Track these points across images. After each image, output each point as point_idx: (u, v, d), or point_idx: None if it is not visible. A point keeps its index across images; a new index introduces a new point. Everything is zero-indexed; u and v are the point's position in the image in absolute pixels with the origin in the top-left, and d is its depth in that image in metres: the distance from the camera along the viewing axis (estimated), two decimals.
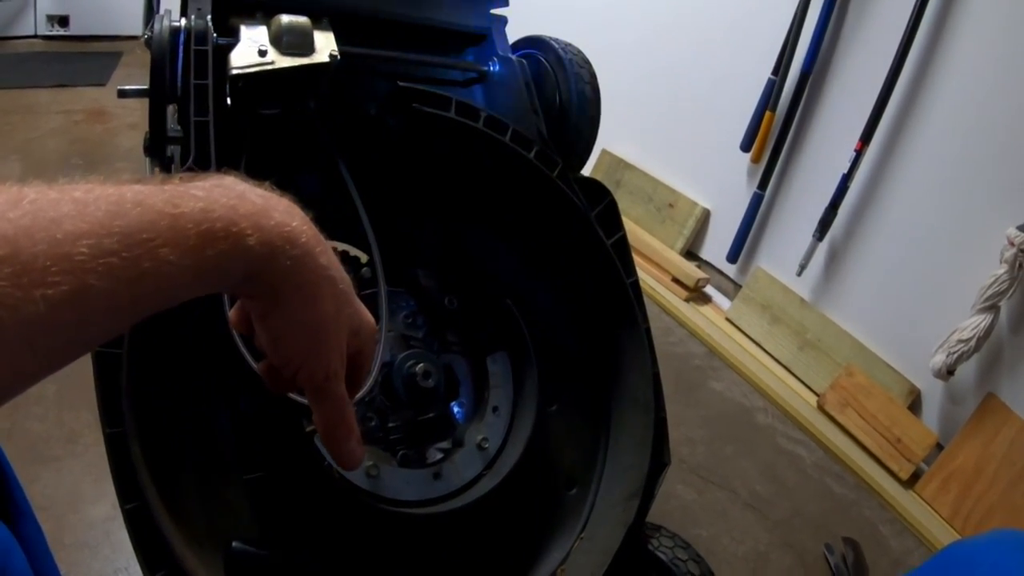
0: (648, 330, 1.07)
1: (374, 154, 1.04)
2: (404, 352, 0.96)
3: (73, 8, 3.39)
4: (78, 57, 3.24)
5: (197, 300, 0.48)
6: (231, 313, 0.58)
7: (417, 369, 0.93)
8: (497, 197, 1.08)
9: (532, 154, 1.01)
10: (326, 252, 0.51)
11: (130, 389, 0.78)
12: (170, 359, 0.90)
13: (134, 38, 3.43)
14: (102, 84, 3.05)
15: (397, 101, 0.99)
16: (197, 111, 0.93)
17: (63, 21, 3.38)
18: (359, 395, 0.88)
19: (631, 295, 1.05)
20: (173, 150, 1.01)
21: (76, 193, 0.39)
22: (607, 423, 1.09)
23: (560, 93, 1.21)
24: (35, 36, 3.33)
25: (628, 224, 2.61)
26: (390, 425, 0.99)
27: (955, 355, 1.74)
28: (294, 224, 0.48)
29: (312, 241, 0.49)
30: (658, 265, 2.46)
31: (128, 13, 3.39)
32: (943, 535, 1.72)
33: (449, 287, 1.04)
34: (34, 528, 0.67)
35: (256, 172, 1.13)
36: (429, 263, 1.06)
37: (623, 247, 1.09)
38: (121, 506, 0.76)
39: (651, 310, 2.35)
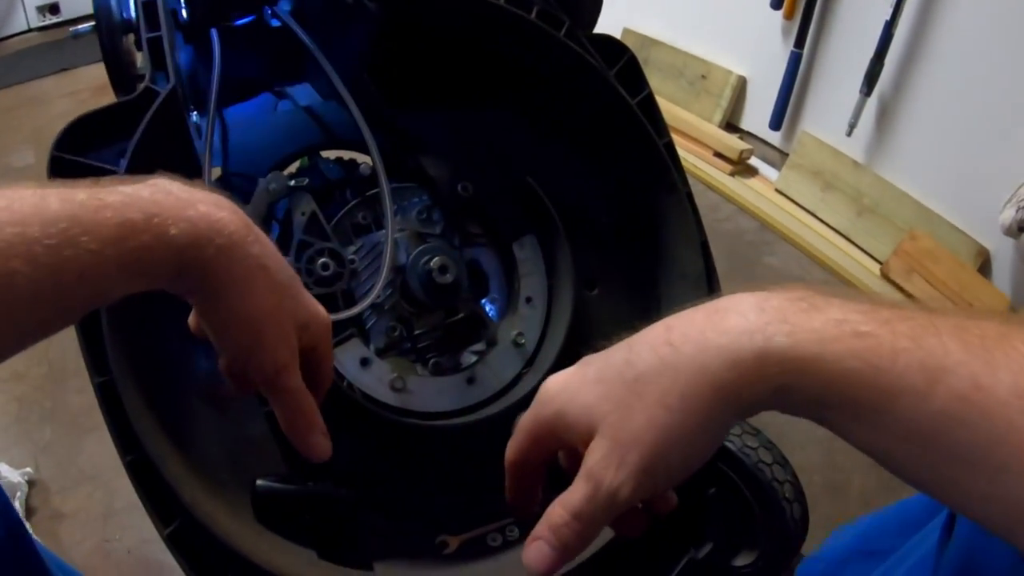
0: (690, 195, 0.96)
1: (360, 46, 0.94)
2: (418, 248, 0.86)
3: None
4: (75, 40, 3.15)
5: None
6: (190, 319, 0.58)
7: (432, 264, 0.84)
8: (502, 70, 0.97)
9: (533, 14, 0.90)
10: (259, 242, 0.51)
11: (113, 332, 0.71)
12: (163, 296, 0.82)
13: None
14: (103, 61, 2.97)
15: None
16: (147, 27, 0.84)
17: (54, 9, 3.31)
18: (368, 302, 0.82)
19: (666, 157, 0.94)
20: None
21: (1, 194, 0.41)
22: (656, 302, 0.98)
23: None
24: (29, 30, 3.27)
25: (661, 102, 2.49)
26: (417, 332, 0.91)
27: None
28: (221, 215, 0.49)
29: (241, 231, 0.50)
30: (697, 141, 2.34)
31: None
32: None
33: (461, 174, 0.94)
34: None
35: (236, 91, 1.04)
36: (437, 152, 0.96)
37: (651, 107, 0.98)
38: (122, 459, 0.71)
39: (695, 188, 2.22)
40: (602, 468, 0.42)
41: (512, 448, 0.50)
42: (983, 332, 0.37)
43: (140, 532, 1.26)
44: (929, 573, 0.58)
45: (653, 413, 0.41)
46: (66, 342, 1.61)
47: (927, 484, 0.39)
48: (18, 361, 1.56)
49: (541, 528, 0.45)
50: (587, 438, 0.44)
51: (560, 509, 0.44)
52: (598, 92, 0.93)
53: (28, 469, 1.36)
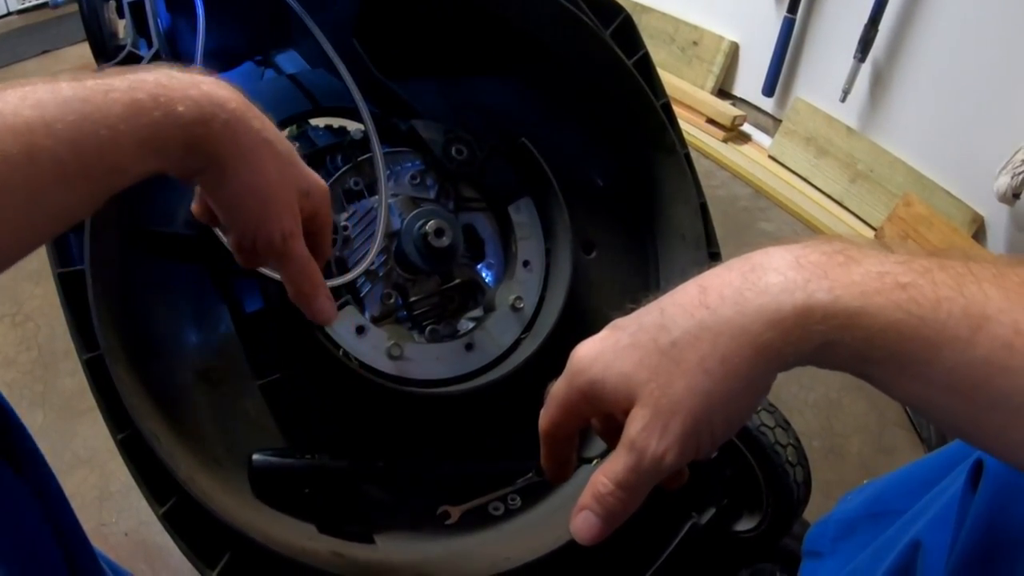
0: (688, 156, 0.94)
1: (348, 11, 0.91)
2: (412, 212, 0.84)
3: None
4: (58, 21, 3.12)
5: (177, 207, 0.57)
6: (193, 206, 0.62)
7: (428, 227, 0.82)
8: (496, 32, 0.94)
9: None
10: (259, 117, 0.55)
11: (101, 306, 0.69)
12: (153, 270, 0.81)
13: None
14: (86, 39, 2.93)
15: None
16: None
17: None
18: (362, 268, 0.80)
19: (664, 118, 0.92)
20: None
21: (17, 88, 0.44)
22: (656, 264, 0.97)
23: None
24: (8, 14, 3.20)
25: None
26: (412, 300, 0.89)
27: (1020, 176, 1.57)
28: (222, 93, 0.51)
29: (242, 107, 0.53)
30: (690, 108, 2.32)
31: None
32: None
33: (455, 137, 0.92)
34: (46, 475, 0.66)
35: (220, 61, 1.02)
36: (429, 115, 0.94)
37: (647, 67, 0.95)
38: (114, 437, 0.70)
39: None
40: (645, 437, 0.41)
41: (545, 418, 0.49)
42: (1022, 278, 0.37)
43: (137, 514, 1.25)
44: (951, 525, 0.57)
45: (694, 379, 0.40)
46: (55, 325, 1.59)
47: (972, 434, 0.38)
48: (7, 346, 1.55)
49: (586, 498, 0.45)
50: (626, 406, 0.43)
51: (604, 479, 0.44)
52: (594, 52, 0.91)
53: None
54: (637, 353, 0.42)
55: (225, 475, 0.78)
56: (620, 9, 0.96)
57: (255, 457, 0.79)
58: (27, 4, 3.21)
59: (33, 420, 1.42)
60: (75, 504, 1.29)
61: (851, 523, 0.75)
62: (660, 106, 0.93)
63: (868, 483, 0.77)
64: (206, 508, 0.69)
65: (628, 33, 0.96)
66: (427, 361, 0.84)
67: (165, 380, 0.78)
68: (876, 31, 1.86)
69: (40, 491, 0.60)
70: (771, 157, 2.21)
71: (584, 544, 0.46)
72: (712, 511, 0.94)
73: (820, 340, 0.38)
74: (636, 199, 0.98)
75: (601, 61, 0.91)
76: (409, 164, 0.91)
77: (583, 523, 0.45)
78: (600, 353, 0.44)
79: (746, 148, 2.26)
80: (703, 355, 0.40)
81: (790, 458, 0.92)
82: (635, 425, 0.42)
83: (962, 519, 0.55)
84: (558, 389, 0.47)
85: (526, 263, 0.90)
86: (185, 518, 0.70)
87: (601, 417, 0.51)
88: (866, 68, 1.95)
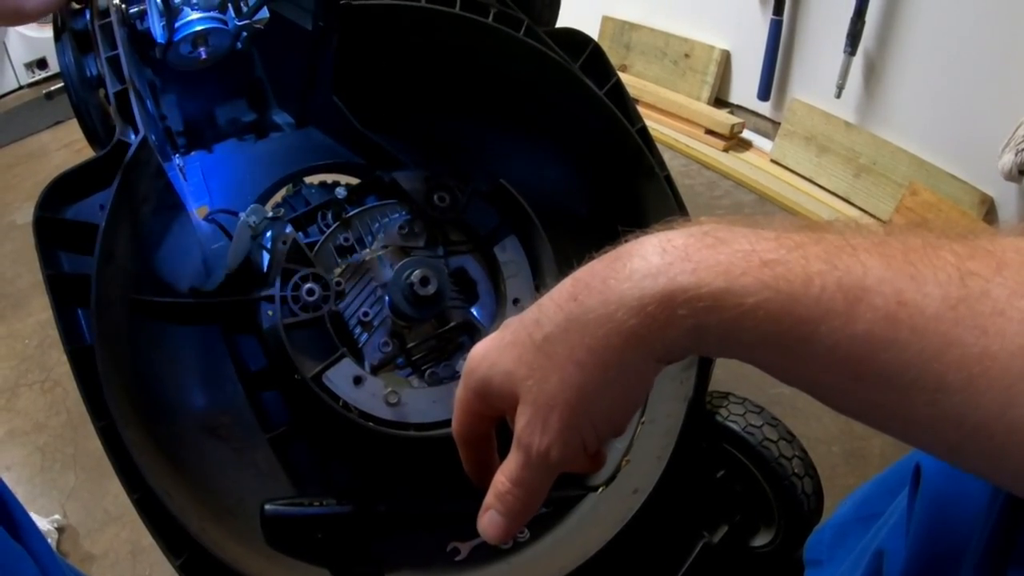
0: (669, 177, 0.95)
1: (327, 70, 0.94)
2: (400, 262, 0.86)
3: (47, 48, 3.28)
4: (64, 93, 3.20)
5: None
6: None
7: (413, 277, 0.84)
8: (469, 76, 0.97)
9: (490, 18, 0.90)
10: None
11: (110, 378, 0.73)
12: (161, 337, 0.85)
13: None
14: None
15: (329, 5, 0.89)
16: (113, 82, 0.86)
17: (41, 64, 3.30)
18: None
19: (640, 142, 0.93)
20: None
21: None
22: None
23: None
24: (19, 88, 3.28)
25: (648, 85, 2.52)
26: (410, 345, 0.91)
27: None
28: None
29: None
30: (688, 120, 2.31)
31: None
32: None
33: (437, 184, 0.94)
34: (39, 540, 0.68)
35: (200, 134, 1.05)
36: (411, 165, 0.96)
37: (619, 94, 0.97)
38: (130, 497, 0.74)
39: (691, 167, 2.24)
40: (528, 434, 0.41)
41: (454, 422, 0.49)
42: (907, 245, 0.34)
43: (169, 567, 1.28)
44: (904, 532, 0.55)
45: (565, 372, 0.39)
46: None
47: (866, 415, 0.36)
48: (38, 412, 1.60)
49: (489, 498, 0.45)
50: (513, 403, 0.42)
51: (503, 477, 0.44)
52: (564, 86, 0.93)
53: (56, 516, 1.38)
54: (517, 350, 0.42)
55: (238, 525, 0.82)
56: (588, 40, 0.98)
57: (267, 507, 0.83)
58: (36, 77, 3.29)
59: (66, 482, 1.46)
60: (109, 560, 1.34)
61: (843, 528, 0.73)
62: (636, 131, 0.94)
63: (861, 486, 0.75)
64: (218, 559, 0.73)
65: (598, 62, 0.98)
66: (424, 405, 0.86)
67: (176, 438, 0.82)
68: (863, 23, 1.85)
69: (38, 559, 0.63)
70: (773, 161, 2.20)
71: (493, 543, 0.46)
72: (725, 528, 0.94)
73: (688, 325, 0.36)
74: (621, 225, 0.99)
75: (573, 94, 0.93)
76: (397, 215, 0.94)
77: (488, 522, 0.45)
78: (487, 352, 0.44)
79: (748, 155, 2.25)
80: (572, 347, 0.39)
81: (796, 470, 0.92)
82: (520, 422, 0.42)
83: (909, 526, 0.54)
84: (458, 391, 0.47)
85: (516, 301, 0.92)
86: (200, 569, 0.74)
87: (511, 416, 0.48)
88: (858, 61, 1.94)
